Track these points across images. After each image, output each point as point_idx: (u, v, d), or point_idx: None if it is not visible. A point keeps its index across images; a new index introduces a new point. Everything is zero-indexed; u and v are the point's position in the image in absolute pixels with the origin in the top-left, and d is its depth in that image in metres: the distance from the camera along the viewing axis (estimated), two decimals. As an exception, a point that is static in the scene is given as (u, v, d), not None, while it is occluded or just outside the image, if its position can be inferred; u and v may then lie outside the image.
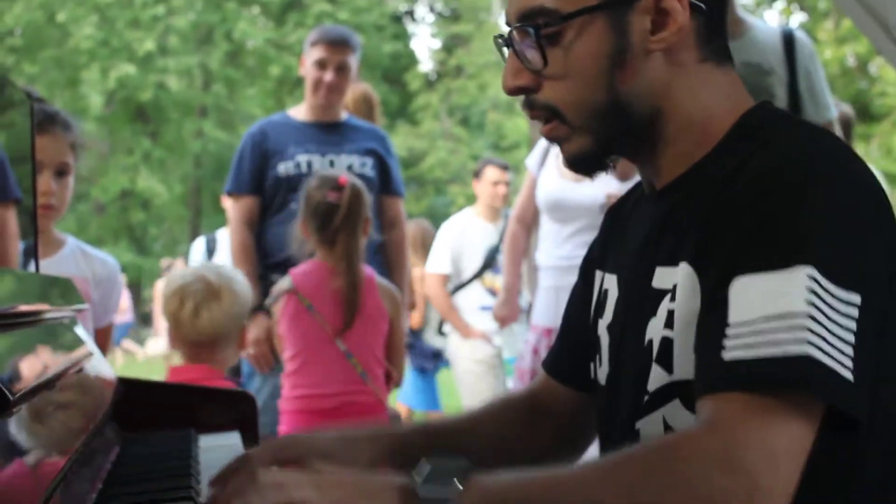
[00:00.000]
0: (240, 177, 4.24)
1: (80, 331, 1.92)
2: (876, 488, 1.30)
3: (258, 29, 23.89)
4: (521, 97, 1.45)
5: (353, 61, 4.29)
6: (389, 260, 4.35)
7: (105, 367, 1.99)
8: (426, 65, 27.45)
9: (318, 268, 3.49)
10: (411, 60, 26.79)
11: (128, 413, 1.95)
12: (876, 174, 1.33)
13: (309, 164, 4.19)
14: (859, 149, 10.56)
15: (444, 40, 27.19)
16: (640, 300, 1.41)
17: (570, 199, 4.18)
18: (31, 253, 2.03)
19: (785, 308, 1.16)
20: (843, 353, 1.16)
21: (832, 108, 3.83)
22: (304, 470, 1.20)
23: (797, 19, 20.88)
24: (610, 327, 1.52)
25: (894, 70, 11.62)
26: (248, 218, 4.18)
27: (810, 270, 1.17)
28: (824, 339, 1.15)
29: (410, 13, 28.07)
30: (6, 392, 1.08)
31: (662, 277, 1.37)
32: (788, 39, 3.75)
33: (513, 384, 4.93)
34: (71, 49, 22.19)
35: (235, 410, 2.09)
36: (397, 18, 26.96)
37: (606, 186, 4.03)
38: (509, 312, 4.77)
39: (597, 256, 1.65)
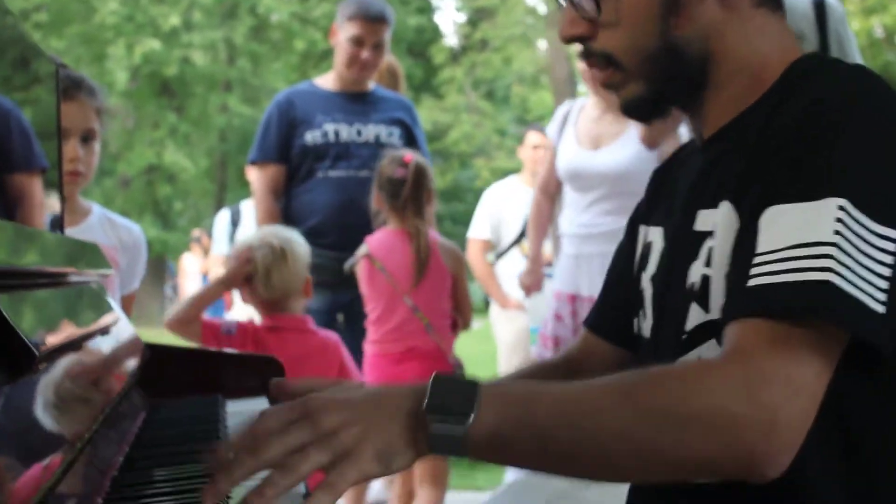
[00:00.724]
0: (265, 145, 4.23)
1: (106, 295, 1.92)
2: None
3: (283, 3, 23.88)
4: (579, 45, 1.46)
5: (388, 36, 4.28)
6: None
7: (131, 331, 1.99)
8: (451, 38, 27.42)
9: (389, 235, 3.97)
10: (436, 34, 26.76)
11: (154, 379, 1.95)
12: None
13: (336, 133, 4.18)
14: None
15: (469, 14, 27.12)
16: (684, 245, 1.41)
17: (588, 167, 4.20)
18: (58, 220, 2.02)
19: (812, 237, 1.16)
20: (872, 284, 1.15)
21: None
22: (297, 414, 1.15)
23: (825, -10, 20.75)
24: (654, 278, 1.52)
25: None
26: (273, 186, 4.19)
27: (842, 202, 1.17)
28: (850, 270, 1.14)
29: (435, -14, 28.01)
30: (32, 349, 1.07)
31: (705, 220, 1.37)
32: (819, 4, 3.73)
33: (535, 351, 4.94)
34: (97, 25, 22.24)
35: (262, 375, 2.08)
36: (422, -8, 26.90)
37: (625, 154, 4.04)
38: (533, 281, 4.76)
39: (641, 213, 1.65)
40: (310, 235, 3.77)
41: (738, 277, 1.22)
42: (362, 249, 3.97)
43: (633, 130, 4.06)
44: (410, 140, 4.34)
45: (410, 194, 3.89)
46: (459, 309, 4.11)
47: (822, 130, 1.23)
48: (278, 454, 1.11)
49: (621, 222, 1.74)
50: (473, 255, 6.30)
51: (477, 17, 26.03)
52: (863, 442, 1.27)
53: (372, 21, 4.18)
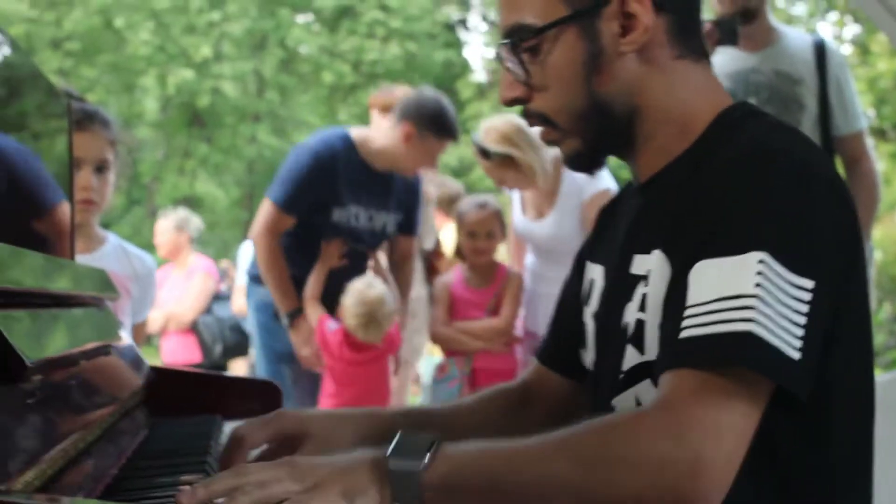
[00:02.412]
0: (294, 200, 4.18)
1: (109, 317, 2.00)
2: (843, 468, 1.38)
3: (311, 36, 24.04)
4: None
5: None
6: (399, 290, 4.48)
7: (136, 353, 2.07)
8: (479, 73, 27.46)
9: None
10: (464, 69, 26.81)
11: (161, 401, 2.03)
12: (837, 170, 1.40)
13: (356, 217, 4.25)
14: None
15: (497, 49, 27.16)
16: (620, 286, 1.49)
17: (532, 235, 4.39)
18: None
19: (735, 290, 1.24)
20: (790, 333, 1.23)
21: (862, 118, 3.85)
22: (280, 463, 1.27)
23: (851, 31, 20.71)
24: (595, 315, 1.61)
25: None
26: (280, 230, 4.21)
27: (762, 255, 1.24)
28: (771, 319, 1.22)
29: (463, 22, 28.10)
30: (24, 359, 1.15)
31: (639, 264, 1.46)
32: (819, 49, 3.77)
33: None
34: (128, 55, 22.43)
35: (262, 399, 2.16)
36: (450, 27, 26.99)
37: (561, 223, 4.18)
38: None
39: (587, 249, 1.73)
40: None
41: (670, 330, 1.29)
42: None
43: (564, 199, 4.19)
44: (408, 216, 4.43)
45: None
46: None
47: (744, 187, 1.31)
48: (256, 479, 1.22)
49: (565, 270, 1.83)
50: None
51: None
52: (793, 476, 1.36)
53: (452, 140, 4.23)
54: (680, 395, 1.22)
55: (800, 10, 21.36)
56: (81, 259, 2.55)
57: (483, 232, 4.40)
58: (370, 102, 5.05)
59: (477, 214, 4.39)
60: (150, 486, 1.45)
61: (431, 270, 4.98)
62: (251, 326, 4.57)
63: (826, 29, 21.00)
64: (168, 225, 7.14)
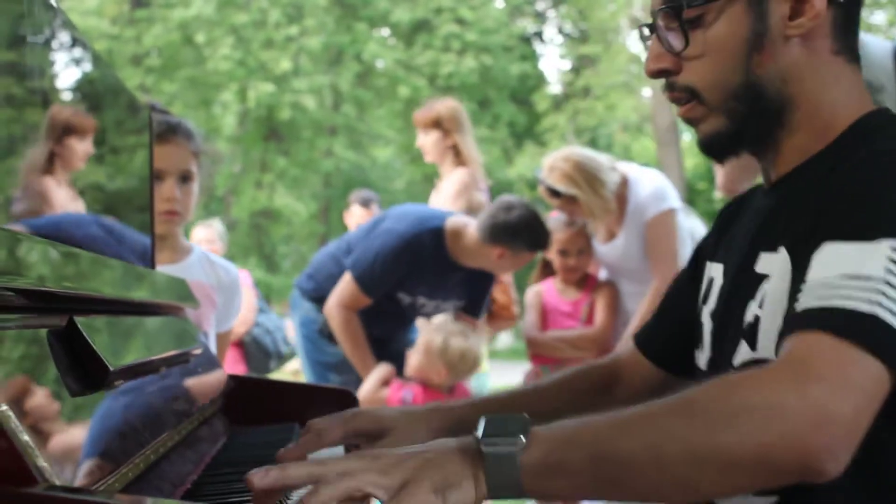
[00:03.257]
0: (377, 285, 4.14)
1: (188, 326, 2.03)
2: None
3: (387, 50, 24.17)
4: (663, 81, 1.51)
5: None
6: None
7: (215, 362, 2.10)
8: (554, 86, 27.44)
9: None
10: (539, 81, 26.80)
11: (239, 409, 2.06)
12: None
13: (422, 305, 4.25)
14: None
15: (573, 61, 27.15)
16: (744, 284, 1.45)
17: (602, 258, 4.37)
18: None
19: (862, 271, 1.20)
20: None
21: None
22: (363, 455, 1.18)
23: (933, 40, 20.40)
24: (713, 314, 1.57)
25: None
26: (357, 307, 4.18)
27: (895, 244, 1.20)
28: None
29: (539, 34, 28.10)
30: (108, 365, 1.18)
31: (765, 263, 1.42)
32: None
33: None
34: (209, 70, 22.73)
35: (339, 406, 2.18)
36: (526, 39, 27.00)
37: (620, 246, 4.21)
38: None
39: (708, 248, 1.70)
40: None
41: (789, 307, 1.25)
42: None
43: (630, 220, 4.16)
44: (473, 306, 4.37)
45: None
46: None
47: (878, 178, 1.28)
48: (341, 468, 1.14)
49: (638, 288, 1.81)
50: None
51: (580, 65, 26.03)
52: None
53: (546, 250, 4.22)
54: (805, 352, 1.17)
55: (879, 18, 21.06)
56: (167, 269, 2.59)
57: (574, 250, 4.38)
58: (414, 120, 5.05)
59: (566, 233, 4.37)
60: (229, 492, 1.46)
61: None
62: (297, 339, 4.57)
63: (907, 38, 20.70)
64: (202, 236, 7.18)
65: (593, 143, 26.02)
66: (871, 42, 3.84)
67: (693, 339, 1.64)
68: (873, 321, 1.16)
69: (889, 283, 1.18)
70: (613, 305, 4.37)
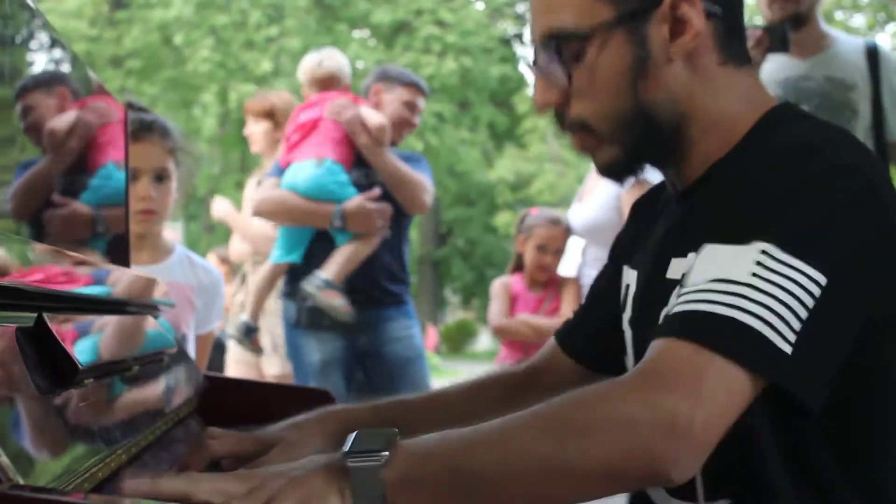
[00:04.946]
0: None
1: (163, 326, 2.01)
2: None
3: (368, 51, 24.18)
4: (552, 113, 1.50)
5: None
6: None
7: (190, 362, 2.08)
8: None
9: None
10: (520, 83, 26.85)
11: (213, 408, 2.04)
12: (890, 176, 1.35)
13: None
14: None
15: (553, 63, 27.15)
16: (658, 291, 1.45)
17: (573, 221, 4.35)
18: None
19: (728, 275, 1.20)
20: (786, 324, 1.18)
21: None
22: (237, 475, 1.20)
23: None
24: (631, 321, 1.57)
25: None
26: None
27: (766, 246, 1.21)
28: (765, 308, 1.18)
29: (519, 36, 28.15)
30: (76, 363, 1.16)
31: (675, 268, 1.42)
32: (872, 53, 3.70)
33: None
34: (189, 71, 22.70)
35: (315, 407, 2.16)
36: (506, 41, 27.07)
37: (592, 207, 4.17)
38: None
39: (624, 248, 1.70)
40: None
41: (667, 312, 1.26)
42: None
43: (601, 186, 4.12)
44: None
45: None
46: None
47: (762, 178, 1.28)
48: (208, 488, 1.16)
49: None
50: None
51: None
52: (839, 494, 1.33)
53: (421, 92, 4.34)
54: (659, 361, 1.18)
55: (858, 21, 21.18)
56: (147, 269, 2.57)
57: (552, 248, 4.38)
58: (245, 108, 5.06)
59: (548, 230, 4.37)
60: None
61: None
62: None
63: (885, 40, 20.82)
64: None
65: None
66: (844, 40, 3.84)
67: (616, 339, 1.64)
68: (730, 324, 1.17)
69: (753, 287, 1.18)
70: (578, 299, 4.37)
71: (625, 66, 1.41)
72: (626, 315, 1.59)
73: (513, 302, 4.49)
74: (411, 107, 4.32)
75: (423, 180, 4.26)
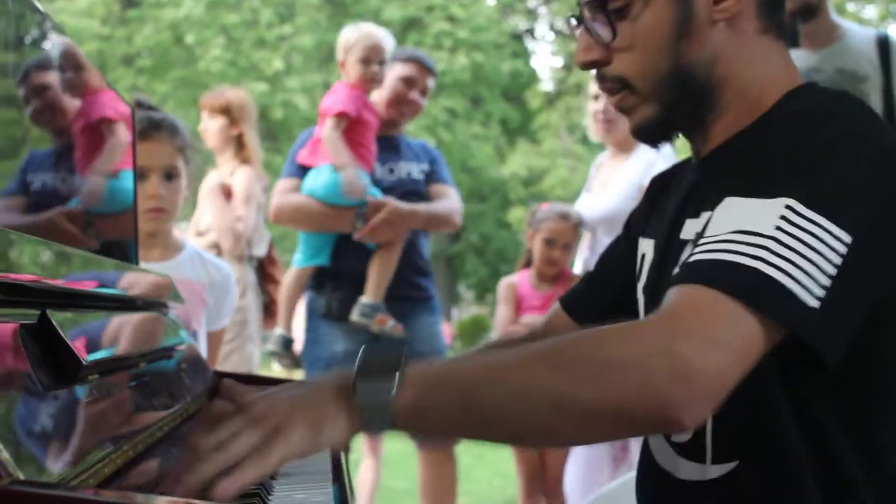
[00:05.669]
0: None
1: (172, 322, 2.02)
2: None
3: (379, 48, 24.12)
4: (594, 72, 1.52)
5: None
6: None
7: (200, 359, 2.08)
8: (546, 83, 27.44)
9: None
10: (531, 78, 26.80)
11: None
12: None
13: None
14: None
15: (565, 58, 27.15)
16: (672, 253, 1.47)
17: (584, 212, 4.36)
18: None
19: (752, 227, 1.21)
20: (812, 279, 1.19)
21: None
22: (237, 416, 1.19)
23: (925, 34, 20.46)
24: (645, 288, 1.59)
25: None
26: None
27: (791, 202, 1.21)
28: (789, 262, 1.18)
29: (530, 31, 28.11)
30: (80, 359, 1.16)
31: (689, 229, 1.45)
32: (884, 44, 3.69)
33: None
34: (201, 70, 22.71)
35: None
36: (517, 37, 27.01)
37: (608, 198, 4.19)
38: None
39: (639, 222, 1.72)
40: None
41: (685, 261, 1.27)
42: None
43: (621, 175, 4.10)
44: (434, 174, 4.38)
45: None
46: None
47: (788, 136, 1.30)
48: (214, 441, 1.15)
49: None
50: None
51: (572, 62, 26.05)
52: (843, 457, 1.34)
53: (424, 66, 4.31)
54: (678, 307, 1.19)
55: (870, 13, 21.11)
56: (157, 267, 2.57)
57: (561, 242, 4.36)
58: (201, 104, 5.01)
59: (557, 224, 4.35)
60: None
61: (266, 278, 4.78)
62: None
63: (898, 32, 20.77)
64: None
65: (586, 140, 26.05)
66: (855, 31, 3.83)
67: (625, 306, 1.64)
68: (754, 274, 1.18)
69: (777, 240, 1.19)
70: None
71: (669, 24, 1.44)
72: (641, 283, 1.61)
73: (519, 302, 4.47)
74: (408, 82, 4.29)
75: (451, 204, 4.27)
